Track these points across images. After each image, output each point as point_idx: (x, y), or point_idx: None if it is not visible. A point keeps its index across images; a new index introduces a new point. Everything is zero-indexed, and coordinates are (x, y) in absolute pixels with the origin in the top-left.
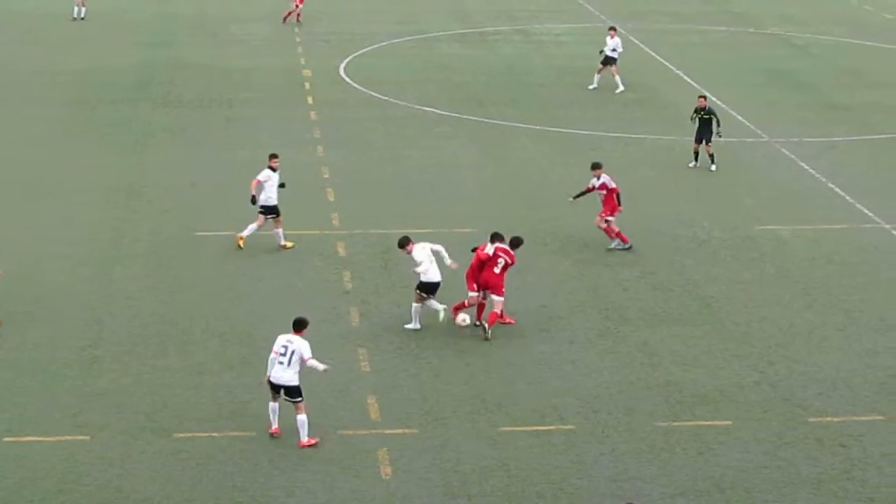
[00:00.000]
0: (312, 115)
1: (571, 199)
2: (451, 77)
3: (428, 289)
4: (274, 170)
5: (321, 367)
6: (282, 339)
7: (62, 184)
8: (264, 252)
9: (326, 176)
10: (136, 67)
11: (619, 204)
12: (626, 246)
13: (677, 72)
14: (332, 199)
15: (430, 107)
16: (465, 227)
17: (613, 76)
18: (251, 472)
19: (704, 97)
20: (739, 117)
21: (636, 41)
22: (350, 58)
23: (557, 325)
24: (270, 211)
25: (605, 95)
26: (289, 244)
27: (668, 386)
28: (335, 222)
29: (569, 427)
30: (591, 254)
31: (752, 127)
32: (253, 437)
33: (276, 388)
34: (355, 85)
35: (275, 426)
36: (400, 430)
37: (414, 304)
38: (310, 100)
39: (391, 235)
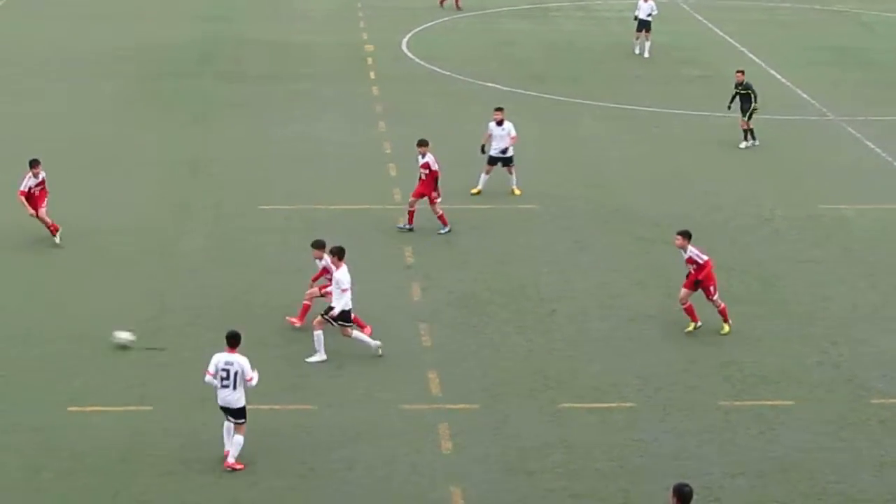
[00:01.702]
0: (374, 90)
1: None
2: (512, 53)
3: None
4: (499, 123)
5: (256, 378)
6: (220, 361)
7: (127, 158)
8: (325, 226)
9: (388, 151)
10: (198, 42)
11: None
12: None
13: (741, 49)
14: (393, 174)
15: (492, 82)
16: (526, 203)
17: (646, 41)
18: (312, 446)
19: (742, 72)
20: (804, 95)
21: (700, 17)
22: (412, 33)
23: (618, 303)
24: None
25: (667, 71)
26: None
27: (730, 365)
28: (397, 197)
29: (629, 405)
30: (652, 231)
31: (817, 105)
32: (313, 411)
33: (225, 411)
34: (417, 60)
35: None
36: (460, 406)
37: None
38: (372, 75)
39: (453, 211)
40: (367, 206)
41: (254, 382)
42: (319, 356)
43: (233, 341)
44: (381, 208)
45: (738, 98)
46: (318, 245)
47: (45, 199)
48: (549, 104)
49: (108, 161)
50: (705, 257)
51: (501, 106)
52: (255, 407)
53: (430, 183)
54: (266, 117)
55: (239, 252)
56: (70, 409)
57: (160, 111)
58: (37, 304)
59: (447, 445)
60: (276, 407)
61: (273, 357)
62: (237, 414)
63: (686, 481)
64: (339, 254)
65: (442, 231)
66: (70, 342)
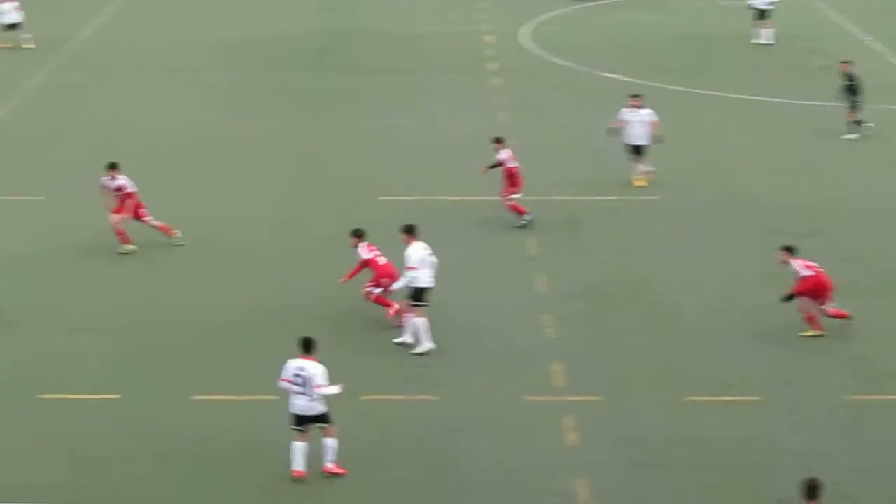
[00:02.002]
0: (494, 81)
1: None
2: (634, 43)
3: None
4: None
5: (336, 389)
6: (292, 367)
7: (244, 149)
8: (448, 217)
9: (509, 143)
10: (317, 34)
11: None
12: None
13: (868, 39)
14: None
15: (613, 73)
16: (650, 195)
17: (766, 29)
18: (436, 436)
19: (848, 62)
20: None
21: (824, 7)
22: (531, 23)
23: (743, 295)
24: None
25: (791, 61)
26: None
27: (859, 359)
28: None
29: (755, 398)
30: (776, 222)
31: None
32: (436, 402)
33: (303, 421)
34: (536, 51)
35: (301, 467)
36: (584, 398)
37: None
38: (491, 66)
39: (576, 203)
40: (488, 197)
41: (324, 392)
42: (426, 345)
43: (306, 346)
44: (504, 199)
45: (846, 89)
46: (408, 230)
47: (128, 206)
48: (670, 94)
49: (225, 153)
50: (808, 272)
51: (638, 93)
52: (379, 397)
53: (506, 178)
54: (385, 108)
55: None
56: (194, 397)
57: (278, 103)
58: (161, 295)
59: (571, 437)
60: (400, 397)
61: (396, 347)
62: (319, 419)
63: (815, 476)
64: (410, 231)
65: (518, 223)
66: (195, 332)
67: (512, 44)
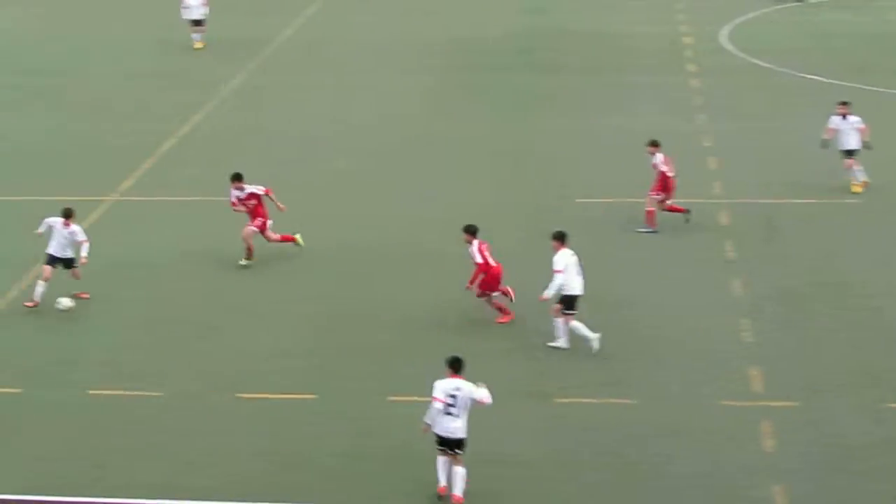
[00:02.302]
0: (693, 82)
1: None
2: (834, 44)
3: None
4: (844, 117)
5: (487, 394)
6: (448, 387)
7: (446, 151)
8: (641, 221)
9: (707, 144)
10: (517, 35)
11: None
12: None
13: None
14: (713, 167)
15: (814, 75)
16: (852, 198)
17: None
18: (631, 439)
19: None
20: None
21: None
22: (730, 24)
23: None
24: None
25: None
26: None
27: None
28: (717, 191)
29: None
30: None
31: None
32: (633, 405)
33: (446, 443)
34: (736, 52)
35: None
36: (782, 403)
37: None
38: (690, 67)
39: (775, 205)
40: (687, 200)
41: (488, 401)
42: (562, 342)
43: (455, 366)
44: (701, 202)
45: None
46: (470, 230)
47: (257, 219)
48: (873, 96)
49: (427, 154)
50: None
51: (846, 100)
52: (575, 400)
53: (657, 181)
54: (584, 110)
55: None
56: (390, 398)
57: (480, 103)
58: (360, 296)
59: (769, 443)
60: (596, 400)
61: (589, 350)
62: (459, 444)
63: None
64: (560, 238)
65: (642, 230)
66: (391, 332)
67: (711, 45)
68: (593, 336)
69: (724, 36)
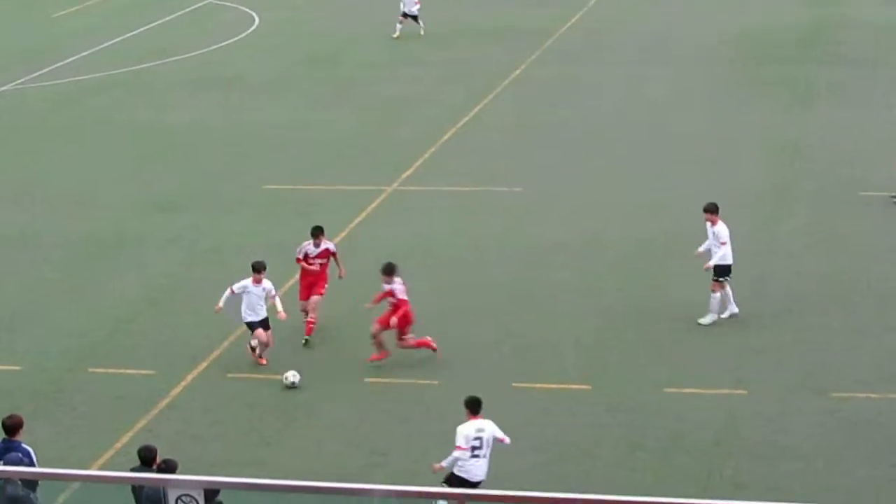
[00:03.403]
0: None
1: None
2: None
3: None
4: None
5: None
6: (469, 432)
7: (728, 141)
8: None
9: None
10: (801, 26)
11: None
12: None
13: None
14: None
15: None
16: None
17: None
18: None
19: None
20: None
21: None
22: None
23: None
24: None
25: None
26: None
27: None
28: None
29: None
30: None
31: None
32: None
33: (467, 485)
34: None
35: None
36: None
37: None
38: None
39: None
40: None
41: (508, 440)
42: (711, 317)
43: (474, 407)
44: None
45: None
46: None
47: (325, 286)
48: None
49: (713, 144)
50: None
51: None
52: (851, 395)
53: None
54: (869, 101)
55: (838, 238)
56: (667, 390)
57: (761, 94)
58: (635, 287)
59: None
60: (873, 395)
61: (871, 345)
62: (477, 486)
63: None
64: (713, 210)
65: None
66: (668, 323)
67: None
68: (711, 319)
69: None
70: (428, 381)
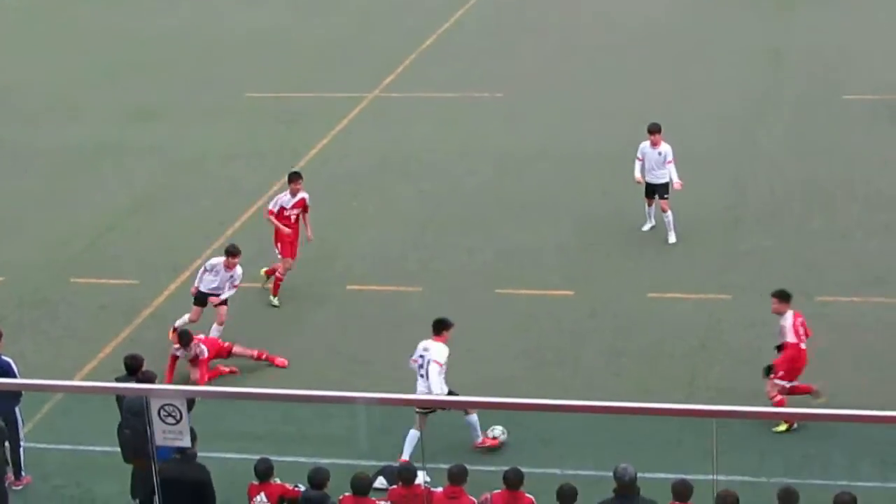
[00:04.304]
0: None
1: None
2: None
3: None
4: None
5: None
6: (419, 348)
7: (707, 46)
8: None
9: None
10: None
11: None
12: None
13: None
14: None
15: None
16: None
17: None
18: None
19: None
20: None
21: None
22: None
23: None
24: None
25: None
26: None
27: None
28: None
29: None
30: None
31: None
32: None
33: None
34: None
35: None
36: None
37: None
38: None
39: None
40: None
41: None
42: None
43: (436, 327)
44: None
45: None
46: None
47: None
48: None
49: (688, 49)
50: None
51: None
52: (835, 299)
53: None
54: (853, 2)
55: (820, 142)
56: (650, 295)
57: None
58: (618, 193)
59: None
60: (856, 299)
61: (855, 249)
62: None
63: None
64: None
65: None
66: (651, 229)
67: None
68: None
69: None
70: (412, 289)
